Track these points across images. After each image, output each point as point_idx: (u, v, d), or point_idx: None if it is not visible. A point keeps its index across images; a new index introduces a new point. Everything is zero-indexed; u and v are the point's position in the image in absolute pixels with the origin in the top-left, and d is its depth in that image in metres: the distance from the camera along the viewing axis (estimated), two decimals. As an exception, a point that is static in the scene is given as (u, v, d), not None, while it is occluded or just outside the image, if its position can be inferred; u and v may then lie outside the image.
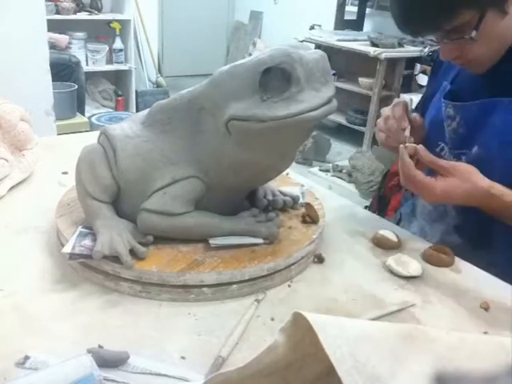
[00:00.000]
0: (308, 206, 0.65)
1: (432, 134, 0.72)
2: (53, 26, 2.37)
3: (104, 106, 3.09)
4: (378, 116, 0.74)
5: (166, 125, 0.55)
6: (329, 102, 0.50)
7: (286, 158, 0.56)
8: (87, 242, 0.54)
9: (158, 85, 3.32)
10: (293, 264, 0.56)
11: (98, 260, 0.51)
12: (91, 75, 3.02)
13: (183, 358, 0.44)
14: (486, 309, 0.53)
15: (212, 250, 0.55)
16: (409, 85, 2.86)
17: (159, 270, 0.51)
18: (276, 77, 0.48)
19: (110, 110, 3.03)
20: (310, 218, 0.63)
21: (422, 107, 0.81)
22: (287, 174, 0.78)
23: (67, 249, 0.53)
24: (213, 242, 0.55)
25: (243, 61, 0.50)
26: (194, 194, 0.55)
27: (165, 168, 0.54)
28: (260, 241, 0.56)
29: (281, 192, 0.67)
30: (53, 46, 2.54)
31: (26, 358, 0.42)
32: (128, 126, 0.58)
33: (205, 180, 0.55)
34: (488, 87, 0.64)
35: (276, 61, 0.48)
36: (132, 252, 0.52)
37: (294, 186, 0.72)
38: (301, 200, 0.68)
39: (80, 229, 0.57)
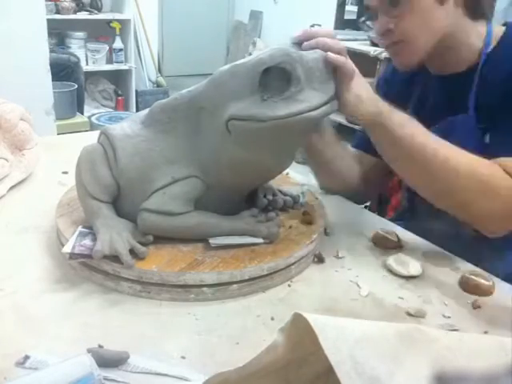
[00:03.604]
0: (308, 206, 0.65)
1: None
2: (53, 26, 2.37)
3: (104, 105, 3.09)
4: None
5: (166, 124, 0.55)
6: (329, 101, 0.50)
7: (287, 157, 0.56)
8: (87, 241, 0.54)
9: (158, 84, 3.32)
10: (293, 264, 0.56)
11: (98, 260, 0.51)
12: (91, 75, 3.02)
13: (183, 357, 0.44)
14: (477, 308, 0.53)
15: (212, 250, 0.55)
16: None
17: (159, 269, 0.51)
18: (276, 76, 0.48)
19: (110, 110, 3.03)
20: (310, 217, 0.63)
21: (364, 143, 0.75)
22: (287, 174, 0.78)
23: (67, 248, 0.53)
24: (213, 241, 0.55)
25: (243, 60, 0.50)
26: (193, 194, 0.55)
27: (164, 168, 0.54)
28: (260, 240, 0.56)
29: (281, 192, 0.67)
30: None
31: (26, 357, 0.42)
32: (128, 125, 0.58)
33: (204, 180, 0.55)
34: (444, 109, 0.66)
35: (276, 60, 0.48)
36: (132, 252, 0.52)
37: (294, 186, 0.72)
38: (301, 200, 0.67)
39: (80, 229, 0.57)
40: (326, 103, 0.49)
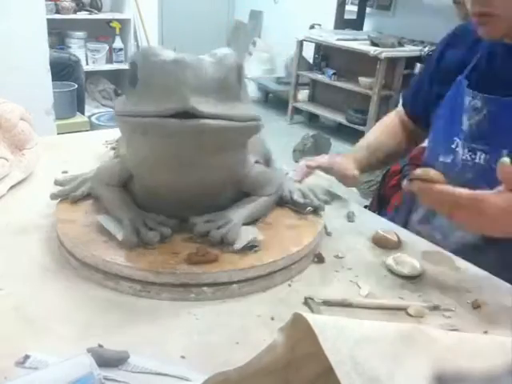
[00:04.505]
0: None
1: (446, 134, 0.70)
2: (53, 26, 2.37)
3: (104, 105, 3.09)
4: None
5: None
6: (175, 115, 0.44)
7: (178, 168, 0.51)
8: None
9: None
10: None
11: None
12: (91, 74, 3.02)
13: (183, 357, 0.44)
14: (477, 307, 0.53)
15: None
16: (409, 84, 2.86)
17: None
18: (135, 73, 0.49)
19: (110, 110, 3.03)
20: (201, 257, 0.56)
21: (411, 101, 0.82)
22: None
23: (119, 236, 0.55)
24: (99, 217, 0.57)
25: None
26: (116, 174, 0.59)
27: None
28: (119, 238, 0.53)
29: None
30: None
31: (26, 357, 0.42)
32: None
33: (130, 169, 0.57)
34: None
35: (133, 57, 0.50)
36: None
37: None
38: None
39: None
40: (164, 115, 0.44)
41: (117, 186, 0.60)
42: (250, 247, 0.54)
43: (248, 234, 0.55)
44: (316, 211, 0.63)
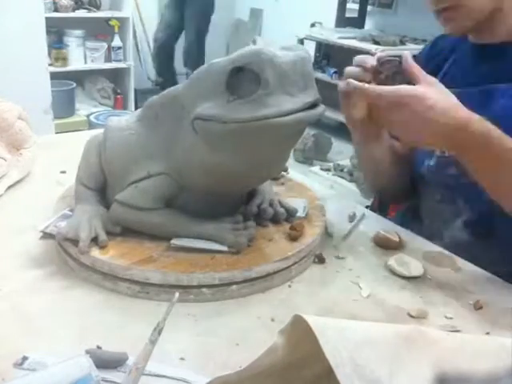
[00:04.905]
0: (297, 223, 0.59)
1: None
2: (51, 24, 2.36)
3: (102, 104, 3.08)
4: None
5: (153, 120, 0.55)
6: (306, 108, 0.46)
7: (266, 165, 0.52)
8: (63, 223, 0.56)
9: (157, 83, 3.32)
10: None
11: (61, 241, 0.54)
12: (90, 73, 3.01)
13: (182, 359, 0.44)
14: (479, 308, 0.52)
15: (171, 250, 0.53)
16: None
17: (110, 260, 0.51)
18: (245, 78, 0.46)
19: (109, 109, 3.03)
20: (296, 234, 0.58)
21: None
22: (287, 173, 0.77)
23: (41, 227, 0.56)
24: (174, 241, 0.54)
25: (219, 59, 0.48)
26: (162, 192, 0.54)
27: (142, 162, 0.54)
28: (224, 248, 0.54)
29: (280, 203, 0.63)
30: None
31: (24, 358, 0.42)
32: (127, 119, 0.59)
33: (177, 179, 0.54)
34: (483, 76, 0.65)
35: (244, 60, 0.46)
36: (96, 239, 0.53)
37: (301, 198, 0.67)
38: (299, 213, 0.63)
39: (65, 211, 0.59)
40: (301, 109, 0.45)
41: (94, 189, 0.59)
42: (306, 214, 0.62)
43: (298, 203, 0.64)
44: (288, 218, 0.61)
